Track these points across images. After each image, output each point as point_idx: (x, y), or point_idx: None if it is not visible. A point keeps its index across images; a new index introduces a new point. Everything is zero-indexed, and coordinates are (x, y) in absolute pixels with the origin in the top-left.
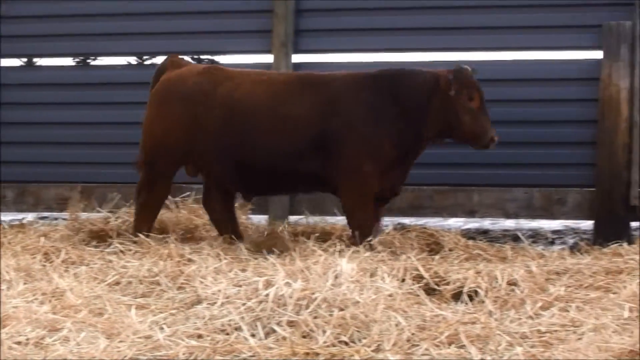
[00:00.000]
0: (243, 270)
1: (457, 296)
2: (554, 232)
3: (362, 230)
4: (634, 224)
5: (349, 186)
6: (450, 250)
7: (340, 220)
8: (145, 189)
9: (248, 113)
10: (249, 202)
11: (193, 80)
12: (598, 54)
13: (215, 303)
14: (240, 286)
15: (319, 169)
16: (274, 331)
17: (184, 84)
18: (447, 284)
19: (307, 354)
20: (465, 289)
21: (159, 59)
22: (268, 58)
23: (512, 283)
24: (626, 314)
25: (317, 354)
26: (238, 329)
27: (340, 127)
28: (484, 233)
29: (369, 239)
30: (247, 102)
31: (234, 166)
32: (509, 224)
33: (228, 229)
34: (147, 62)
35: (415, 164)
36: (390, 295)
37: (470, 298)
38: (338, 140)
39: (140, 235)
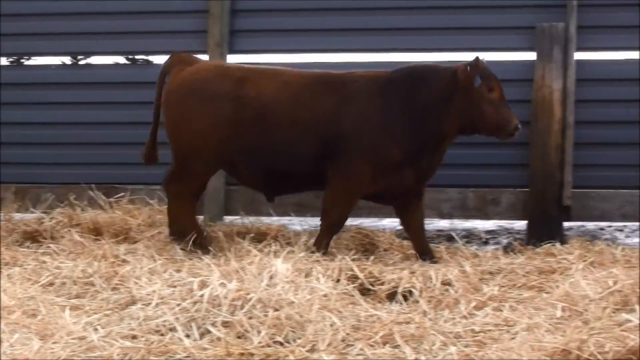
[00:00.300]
0: (178, 271)
1: (391, 296)
2: (488, 232)
3: (332, 227)
4: (566, 224)
5: (339, 184)
6: (385, 250)
7: (276, 220)
8: (175, 181)
9: (274, 114)
10: (272, 202)
11: (216, 80)
12: (531, 55)
13: (149, 304)
14: (174, 287)
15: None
16: (209, 332)
17: (205, 84)
18: (382, 284)
19: (242, 354)
20: (399, 289)
21: (94, 59)
22: (203, 58)
23: (446, 283)
24: (559, 313)
25: (252, 355)
26: (173, 329)
27: (349, 128)
28: None
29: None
30: (274, 104)
31: (260, 167)
32: (443, 224)
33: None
34: (81, 62)
35: None
36: (325, 296)
37: (405, 298)
38: (344, 141)
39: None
